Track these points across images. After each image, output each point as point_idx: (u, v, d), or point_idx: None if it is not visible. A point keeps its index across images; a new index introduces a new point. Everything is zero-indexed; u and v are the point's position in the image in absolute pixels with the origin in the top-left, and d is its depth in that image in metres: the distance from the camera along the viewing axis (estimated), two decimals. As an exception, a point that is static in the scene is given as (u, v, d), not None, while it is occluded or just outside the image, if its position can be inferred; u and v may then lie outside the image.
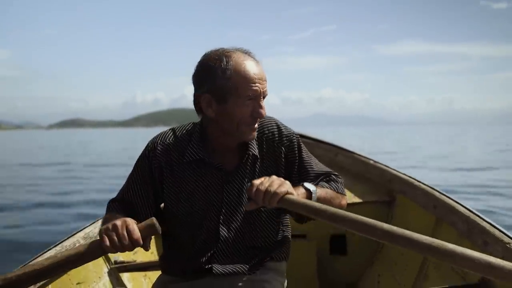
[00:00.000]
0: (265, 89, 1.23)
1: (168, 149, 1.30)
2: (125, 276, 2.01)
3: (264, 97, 1.24)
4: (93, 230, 1.81)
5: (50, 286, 1.50)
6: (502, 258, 1.45)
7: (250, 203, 1.17)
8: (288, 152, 1.35)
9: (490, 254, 1.51)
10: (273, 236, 1.37)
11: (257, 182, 1.16)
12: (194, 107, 1.28)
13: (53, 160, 19.67)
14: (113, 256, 1.98)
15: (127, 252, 2.09)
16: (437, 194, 2.03)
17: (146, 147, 1.34)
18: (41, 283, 1.43)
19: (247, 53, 1.24)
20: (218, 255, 1.30)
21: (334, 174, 1.40)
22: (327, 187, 1.33)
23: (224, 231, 1.30)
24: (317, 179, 1.36)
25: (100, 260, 1.90)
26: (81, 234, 1.75)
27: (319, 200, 1.25)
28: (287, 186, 1.16)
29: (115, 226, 1.07)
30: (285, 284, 1.41)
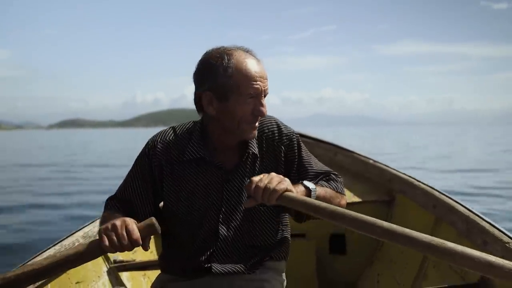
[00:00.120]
0: (266, 87, 1.23)
1: (168, 147, 1.30)
2: (124, 275, 2.01)
3: (265, 96, 1.24)
4: (92, 229, 1.81)
5: (49, 285, 1.50)
6: (502, 257, 1.45)
7: (249, 200, 1.17)
8: (288, 151, 1.35)
9: (490, 254, 1.51)
10: (273, 235, 1.36)
11: (256, 179, 1.15)
12: (195, 105, 1.29)
13: (53, 160, 19.64)
14: (113, 256, 1.98)
15: (126, 251, 2.10)
16: (436, 193, 2.03)
17: (146, 145, 1.33)
18: (40, 282, 1.43)
19: (248, 51, 1.24)
20: (217, 253, 1.30)
21: (334, 174, 1.40)
22: (326, 186, 1.33)
23: (224, 229, 1.30)
24: (316, 178, 1.36)
25: (100, 260, 1.90)
26: (80, 233, 1.75)
27: (318, 198, 1.25)
28: (286, 183, 1.16)
29: (114, 226, 1.07)
30: (285, 283, 1.41)
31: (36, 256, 1.48)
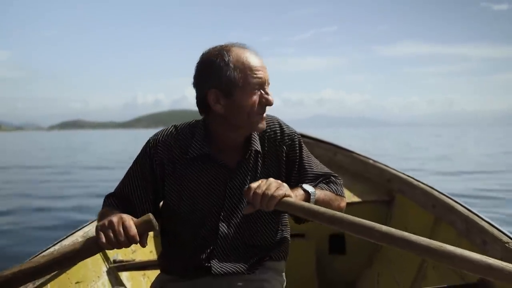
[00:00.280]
0: (267, 76, 1.25)
1: (170, 146, 1.30)
2: (124, 275, 2.00)
3: (268, 85, 1.26)
4: (91, 229, 1.81)
5: (49, 285, 1.50)
6: (501, 257, 1.46)
7: (248, 207, 1.18)
8: (289, 151, 1.35)
9: (489, 253, 1.51)
10: (272, 235, 1.37)
11: (254, 185, 1.16)
12: (198, 107, 1.28)
13: (52, 162, 19.56)
14: (112, 255, 1.98)
15: (126, 251, 2.10)
16: (436, 193, 2.03)
17: (147, 143, 1.33)
18: (40, 282, 1.43)
19: (243, 46, 1.26)
20: (217, 252, 1.30)
21: (334, 176, 1.40)
22: (326, 189, 1.33)
23: (224, 227, 1.30)
24: (316, 180, 1.36)
25: (99, 259, 1.90)
26: (80, 233, 1.75)
27: (317, 201, 1.25)
28: (284, 188, 1.16)
29: (111, 222, 1.06)
30: (284, 283, 1.41)
31: (36, 255, 1.47)
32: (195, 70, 1.26)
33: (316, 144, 3.14)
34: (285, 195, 1.15)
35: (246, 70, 1.21)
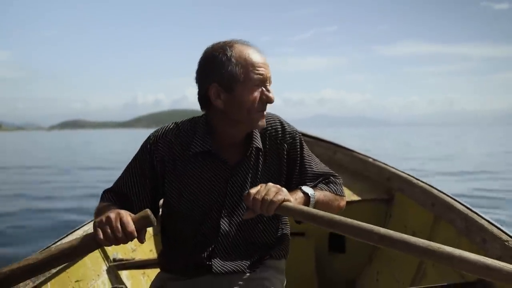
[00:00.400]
0: (269, 74, 1.25)
1: (170, 142, 1.29)
2: (124, 274, 2.00)
3: (270, 83, 1.26)
4: (91, 228, 1.81)
5: (49, 284, 1.50)
6: (500, 255, 1.45)
7: (248, 212, 1.18)
8: (290, 150, 1.35)
9: (488, 252, 1.51)
10: (273, 233, 1.37)
11: (253, 190, 1.17)
12: (199, 102, 1.29)
13: (52, 162, 19.51)
14: (112, 254, 1.98)
15: (126, 250, 2.10)
16: (435, 191, 2.03)
17: (147, 139, 1.32)
18: (40, 280, 1.43)
19: (246, 42, 1.26)
20: (218, 249, 1.30)
21: (333, 175, 1.40)
22: (325, 189, 1.33)
23: (225, 225, 1.30)
24: (316, 180, 1.36)
25: (99, 258, 1.90)
26: (79, 232, 1.75)
27: (317, 203, 1.26)
28: (283, 193, 1.17)
29: (108, 218, 1.06)
30: (285, 282, 1.41)
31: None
32: (197, 65, 1.26)
33: (316, 143, 3.14)
34: (285, 200, 1.16)
35: (248, 66, 1.21)
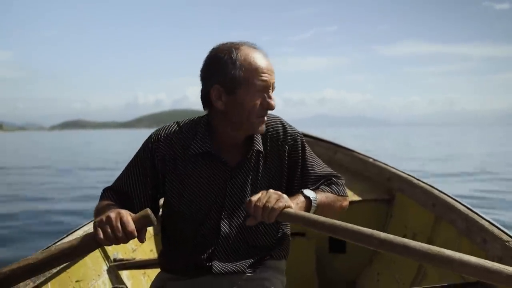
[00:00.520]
0: (273, 80, 1.24)
1: (172, 142, 1.29)
2: (124, 274, 2.00)
3: (273, 89, 1.25)
4: (91, 228, 1.81)
5: (49, 284, 1.50)
6: (501, 256, 1.45)
7: (250, 219, 1.19)
8: (291, 151, 1.35)
9: (489, 252, 1.51)
10: (273, 234, 1.37)
11: (254, 198, 1.17)
12: (201, 101, 1.28)
13: (57, 163, 19.43)
14: (112, 254, 1.98)
15: (126, 250, 2.10)
16: (436, 192, 2.03)
17: (148, 138, 1.32)
18: (40, 280, 1.43)
19: (254, 46, 1.25)
20: (218, 251, 1.30)
21: (335, 176, 1.40)
22: (327, 191, 1.33)
23: (226, 227, 1.30)
24: (317, 182, 1.36)
25: (99, 258, 1.90)
26: (79, 232, 1.75)
27: (319, 206, 1.26)
28: (284, 200, 1.17)
29: (109, 218, 1.06)
30: (285, 282, 1.41)
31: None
32: (202, 64, 1.26)
33: (316, 143, 3.14)
34: (286, 207, 1.16)
35: (252, 70, 1.20)
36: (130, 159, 1.34)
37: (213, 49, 1.25)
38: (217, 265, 1.29)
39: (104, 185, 1.40)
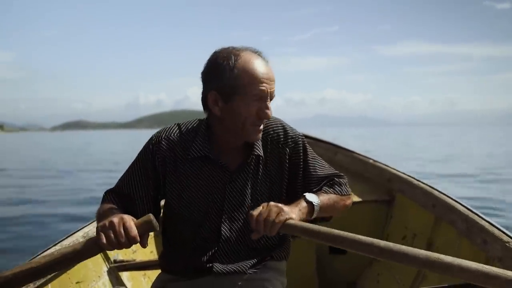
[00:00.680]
0: (272, 89, 1.23)
1: (172, 144, 1.30)
2: (125, 275, 2.01)
3: (271, 98, 1.24)
4: (92, 229, 1.81)
5: (49, 285, 1.50)
6: (501, 257, 1.45)
7: (254, 233, 1.19)
8: (292, 154, 1.34)
9: (489, 253, 1.51)
10: (274, 237, 1.36)
11: (255, 213, 1.17)
12: (202, 104, 1.29)
13: (58, 164, 19.37)
14: (113, 255, 1.98)
15: (126, 251, 2.11)
16: (436, 193, 2.03)
17: (149, 140, 1.32)
18: (41, 281, 1.44)
19: (257, 52, 1.24)
20: (219, 254, 1.30)
21: (337, 176, 1.40)
22: (330, 192, 1.33)
23: (226, 230, 1.30)
24: (320, 183, 1.36)
25: (100, 259, 1.90)
26: (80, 233, 1.75)
27: (322, 208, 1.27)
28: (285, 213, 1.17)
29: (112, 223, 1.06)
30: (285, 283, 1.41)
31: (36, 256, 1.48)
32: (204, 66, 1.26)
33: (316, 144, 3.14)
34: (287, 219, 1.17)
35: (249, 79, 1.19)
36: (132, 160, 1.34)
37: (214, 52, 1.25)
38: (218, 266, 1.29)
39: (105, 187, 1.40)
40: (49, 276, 1.49)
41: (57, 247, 1.58)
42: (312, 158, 1.38)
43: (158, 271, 1.43)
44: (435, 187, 2.13)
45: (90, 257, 1.11)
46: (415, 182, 2.25)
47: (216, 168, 1.29)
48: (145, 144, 1.33)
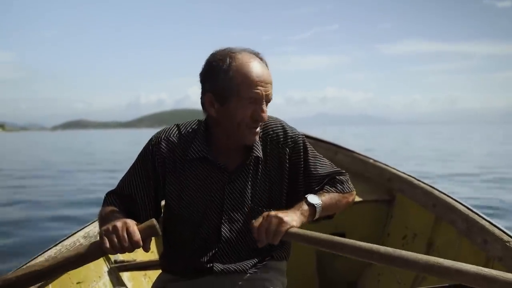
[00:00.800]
0: (268, 92, 1.22)
1: (172, 145, 1.30)
2: (125, 276, 2.01)
3: (267, 102, 1.23)
4: (93, 229, 1.81)
5: (50, 285, 1.50)
6: (501, 256, 1.46)
7: (259, 243, 1.21)
8: (292, 154, 1.34)
9: (490, 253, 1.51)
10: None
11: (256, 224, 1.18)
12: (201, 104, 1.29)
13: (59, 164, 19.34)
14: (113, 256, 1.98)
15: (127, 251, 2.10)
16: (436, 192, 2.03)
17: (149, 141, 1.33)
18: (41, 282, 1.44)
19: (254, 54, 1.24)
20: (219, 255, 1.30)
21: (338, 173, 1.40)
22: (332, 191, 1.34)
23: (226, 231, 1.30)
24: (321, 182, 1.36)
25: (100, 260, 1.90)
26: (81, 233, 1.75)
27: (323, 209, 1.27)
28: (285, 224, 1.17)
29: (115, 227, 1.07)
30: (285, 283, 1.41)
31: (37, 257, 1.48)
32: (202, 67, 1.26)
33: (317, 144, 3.14)
34: (288, 229, 1.17)
35: (244, 82, 1.19)
36: (133, 161, 1.35)
37: (212, 54, 1.25)
38: (218, 266, 1.30)
39: (105, 187, 1.40)
40: None
41: (58, 247, 1.59)
42: (312, 157, 1.37)
43: (159, 271, 1.44)
44: (435, 186, 2.13)
45: (93, 260, 1.12)
46: (416, 182, 2.25)
47: (215, 169, 1.29)
48: (145, 145, 1.33)
